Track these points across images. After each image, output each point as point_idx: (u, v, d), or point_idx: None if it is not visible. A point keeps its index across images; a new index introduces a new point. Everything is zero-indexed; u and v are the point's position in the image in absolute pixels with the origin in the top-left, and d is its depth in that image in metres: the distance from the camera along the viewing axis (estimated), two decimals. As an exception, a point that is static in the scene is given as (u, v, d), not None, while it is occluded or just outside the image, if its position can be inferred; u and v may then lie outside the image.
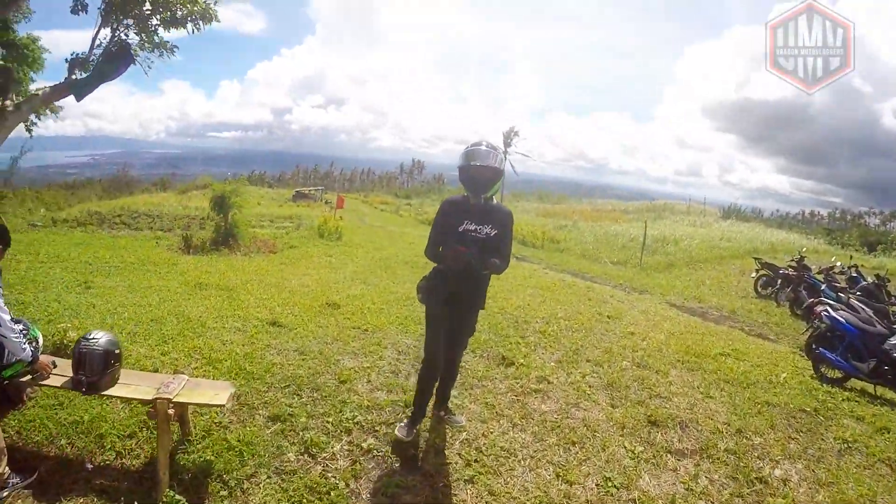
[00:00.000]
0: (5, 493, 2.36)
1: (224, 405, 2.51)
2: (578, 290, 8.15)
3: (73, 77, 4.37)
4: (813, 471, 3.23)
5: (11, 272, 6.41)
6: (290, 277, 7.63)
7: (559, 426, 3.46)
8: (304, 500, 2.54)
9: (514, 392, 3.95)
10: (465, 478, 2.82)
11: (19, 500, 2.36)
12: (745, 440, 3.48)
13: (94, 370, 2.49)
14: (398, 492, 2.68)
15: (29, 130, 10.24)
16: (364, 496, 2.63)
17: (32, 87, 4.61)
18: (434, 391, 3.20)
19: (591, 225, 20.19)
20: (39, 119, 10.26)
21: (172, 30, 4.40)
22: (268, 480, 2.65)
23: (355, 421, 3.29)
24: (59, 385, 2.55)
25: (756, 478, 3.08)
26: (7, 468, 2.39)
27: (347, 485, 2.66)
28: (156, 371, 3.78)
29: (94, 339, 2.54)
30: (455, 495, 2.72)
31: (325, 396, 3.62)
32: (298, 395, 3.63)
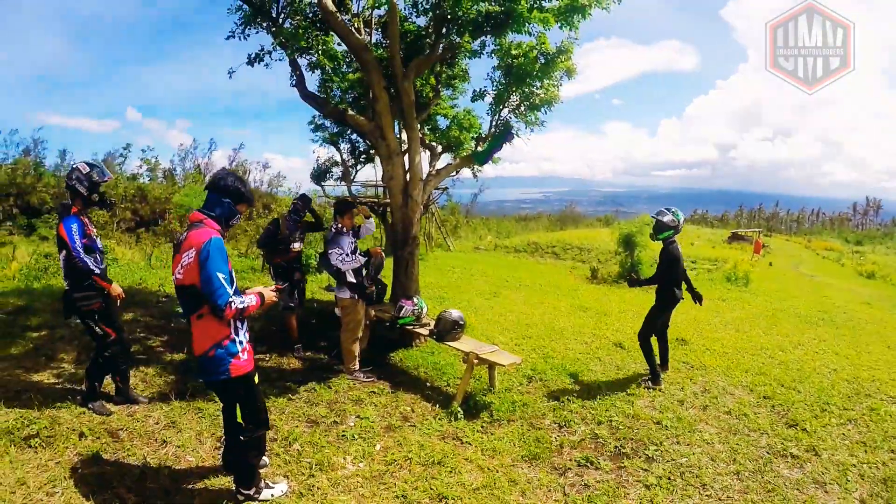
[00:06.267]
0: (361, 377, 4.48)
1: (503, 364, 4.01)
2: None
3: (476, 150, 6.62)
4: None
5: (445, 276, 9.65)
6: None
7: None
8: (532, 446, 3.49)
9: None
10: None
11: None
12: None
13: (444, 328, 4.42)
14: None
15: (475, 175, 14.93)
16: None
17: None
18: None
19: None
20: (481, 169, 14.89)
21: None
22: (516, 425, 3.77)
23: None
24: (425, 333, 4.68)
25: None
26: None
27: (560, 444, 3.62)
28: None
29: (449, 312, 4.46)
30: None
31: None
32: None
